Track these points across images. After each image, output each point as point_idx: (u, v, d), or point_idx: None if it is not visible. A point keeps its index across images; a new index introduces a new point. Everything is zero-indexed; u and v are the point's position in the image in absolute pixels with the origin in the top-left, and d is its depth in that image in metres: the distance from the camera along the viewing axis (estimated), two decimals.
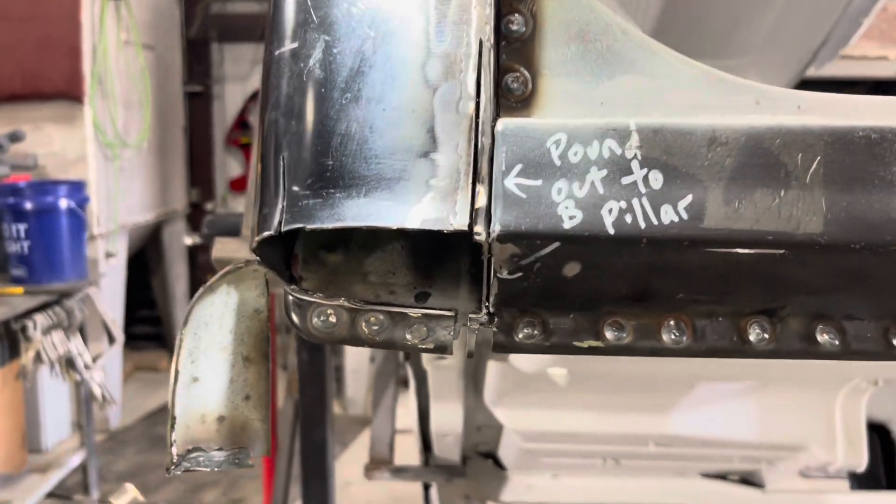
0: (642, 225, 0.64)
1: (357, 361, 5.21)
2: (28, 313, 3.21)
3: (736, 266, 0.66)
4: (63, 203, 3.59)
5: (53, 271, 3.56)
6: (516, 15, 0.70)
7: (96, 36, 4.60)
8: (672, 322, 0.71)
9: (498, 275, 0.67)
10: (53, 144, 4.50)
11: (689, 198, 0.64)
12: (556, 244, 0.65)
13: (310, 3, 0.68)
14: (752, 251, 0.64)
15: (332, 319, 0.71)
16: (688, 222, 0.64)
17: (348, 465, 4.11)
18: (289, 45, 0.68)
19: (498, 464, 2.86)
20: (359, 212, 0.65)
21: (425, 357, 2.06)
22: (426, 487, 3.23)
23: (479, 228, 0.65)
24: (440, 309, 0.72)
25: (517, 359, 1.90)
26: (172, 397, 0.70)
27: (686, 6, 2.94)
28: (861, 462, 2.60)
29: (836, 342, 0.70)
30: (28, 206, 3.51)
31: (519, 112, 0.69)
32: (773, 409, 2.35)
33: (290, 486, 2.50)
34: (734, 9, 2.94)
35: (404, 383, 3.73)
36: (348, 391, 5.20)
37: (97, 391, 3.75)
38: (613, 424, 2.58)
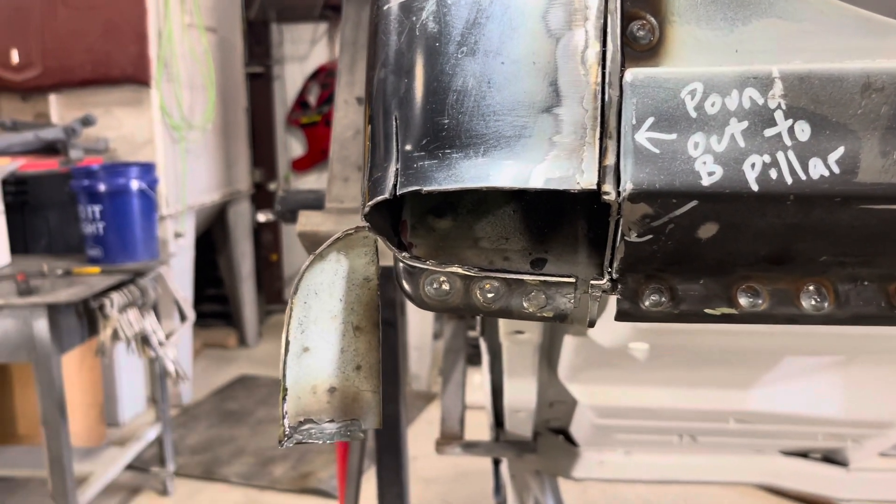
0: (789, 180, 0.59)
1: (420, 338, 5.22)
2: (105, 292, 3.28)
3: (891, 224, 0.60)
4: (134, 184, 3.65)
5: (127, 251, 3.63)
6: None
7: (161, 20, 4.66)
8: (812, 287, 0.66)
9: (626, 238, 0.63)
10: (123, 128, 4.59)
11: (841, 150, 0.59)
12: (694, 203, 0.60)
13: None
14: None
15: (446, 287, 0.68)
16: (840, 176, 0.58)
17: (414, 440, 4.13)
18: None
19: (569, 439, 2.83)
20: (478, 172, 0.61)
21: (503, 331, 2.03)
22: (496, 463, 3.21)
23: (607, 187, 0.61)
24: (559, 276, 0.68)
25: (597, 334, 1.86)
26: (284, 368, 0.68)
27: None
28: None
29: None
30: (102, 187, 3.58)
31: (646, 62, 0.64)
32: (861, 385, 2.26)
33: (364, 459, 2.51)
34: None
35: (471, 360, 3.71)
36: (412, 367, 5.22)
37: (171, 367, 3.83)
38: (692, 400, 2.51)
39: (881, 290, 0.65)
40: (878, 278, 0.65)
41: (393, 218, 0.72)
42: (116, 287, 3.38)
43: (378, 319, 0.71)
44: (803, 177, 0.58)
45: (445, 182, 0.62)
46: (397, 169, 0.63)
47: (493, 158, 0.62)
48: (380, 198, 0.63)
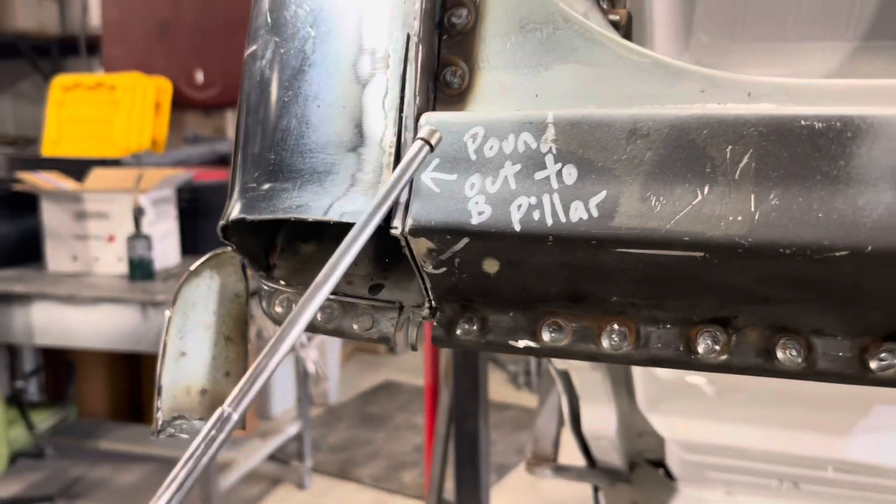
0: (549, 222, 0.61)
1: None
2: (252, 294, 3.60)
3: (660, 269, 0.60)
4: None
5: None
6: (460, 8, 0.69)
7: None
8: (615, 326, 0.66)
9: (424, 269, 0.68)
10: None
11: (603, 194, 0.60)
12: (466, 240, 0.64)
13: (267, 6, 0.72)
14: (668, 252, 0.58)
15: (293, 307, 0.75)
16: (597, 220, 0.60)
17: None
18: (251, 47, 0.73)
19: (669, 474, 2.74)
20: (290, 203, 0.69)
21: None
22: (596, 490, 3.16)
23: (396, 222, 0.66)
24: (385, 301, 0.73)
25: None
26: (161, 368, 0.78)
27: None
28: None
29: (800, 359, 0.61)
30: None
31: (455, 106, 0.68)
32: None
33: (447, 472, 2.58)
34: None
35: None
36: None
37: (311, 368, 4.12)
38: (783, 442, 2.36)
39: (682, 334, 0.65)
40: (679, 322, 0.64)
41: (269, 241, 0.80)
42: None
43: (247, 331, 0.80)
44: (563, 219, 0.60)
45: (265, 212, 0.70)
46: (235, 198, 0.72)
47: (305, 191, 0.69)
48: (221, 223, 0.72)
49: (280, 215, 0.69)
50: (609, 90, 0.63)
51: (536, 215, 0.61)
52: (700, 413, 2.39)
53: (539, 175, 0.62)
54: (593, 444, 2.67)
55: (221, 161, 4.55)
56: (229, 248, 0.79)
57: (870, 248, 0.54)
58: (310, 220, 0.67)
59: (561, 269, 0.64)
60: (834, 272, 0.55)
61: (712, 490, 2.69)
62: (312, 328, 0.74)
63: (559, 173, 0.61)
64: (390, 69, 0.67)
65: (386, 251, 0.77)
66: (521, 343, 0.68)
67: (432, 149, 0.60)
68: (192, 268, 0.79)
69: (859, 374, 0.60)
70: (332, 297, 0.74)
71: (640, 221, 0.59)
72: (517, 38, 0.67)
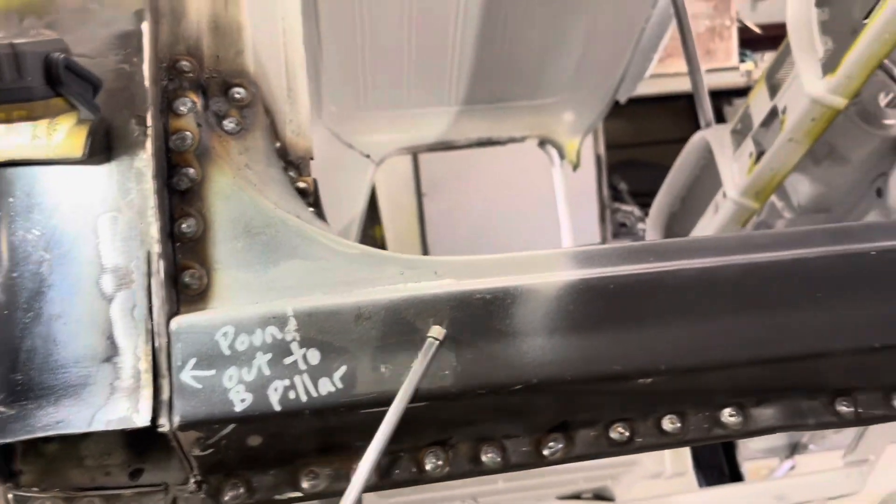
0: (304, 399, 0.74)
1: None
2: None
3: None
4: None
5: None
6: (189, 218, 0.79)
7: None
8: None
9: (191, 453, 0.76)
10: None
11: (344, 368, 0.75)
12: (232, 426, 0.74)
13: None
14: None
15: None
16: (342, 390, 0.75)
17: None
18: None
19: None
20: (48, 420, 0.72)
21: None
22: None
23: (163, 420, 0.73)
24: (150, 485, 0.80)
25: None
26: None
27: (497, 55, 3.15)
28: (686, 468, 2.84)
29: (499, 459, 0.83)
30: None
31: (197, 305, 0.78)
32: None
33: None
34: (538, 56, 3.18)
35: None
36: None
37: None
38: None
39: (413, 458, 0.83)
40: (410, 449, 0.82)
41: (6, 446, 0.80)
42: None
43: None
44: (315, 394, 0.74)
45: (21, 433, 0.72)
46: None
47: (63, 406, 0.73)
48: None
49: (39, 434, 0.72)
50: (330, 278, 0.79)
51: (292, 395, 0.74)
52: None
53: (288, 360, 0.75)
54: None
55: None
56: None
57: (535, 380, 0.77)
58: (75, 434, 0.72)
59: (315, 431, 0.77)
60: (514, 399, 0.77)
61: None
62: None
63: (304, 356, 0.75)
64: (135, 283, 0.75)
65: (139, 436, 0.83)
66: (286, 495, 0.80)
67: (441, 343, 0.75)
68: None
69: (538, 461, 0.83)
70: (96, 492, 0.78)
71: (377, 386, 0.75)
72: (245, 241, 0.79)
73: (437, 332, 0.76)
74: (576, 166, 3.50)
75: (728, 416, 0.85)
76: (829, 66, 1.78)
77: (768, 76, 2.21)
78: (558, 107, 3.34)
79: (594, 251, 0.82)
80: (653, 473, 2.86)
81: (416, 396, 0.75)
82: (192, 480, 0.80)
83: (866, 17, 1.65)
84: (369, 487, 0.82)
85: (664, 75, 5.22)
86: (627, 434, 0.85)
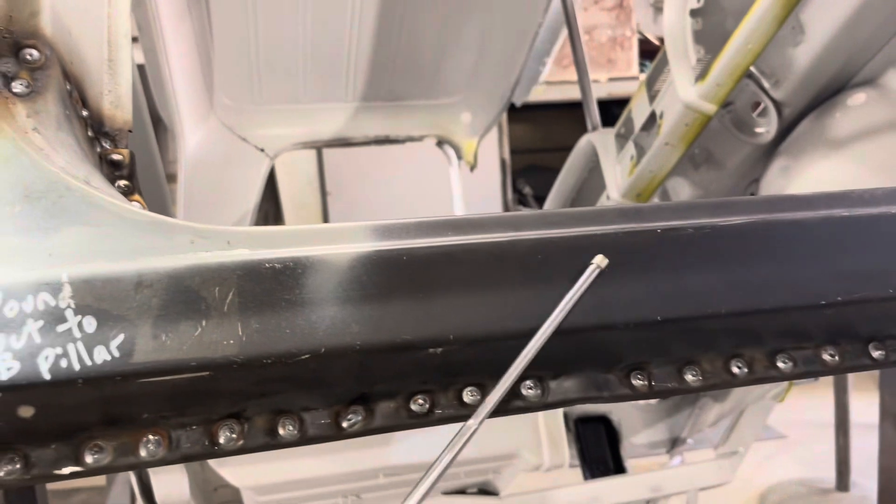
0: (77, 367, 0.72)
1: None
2: None
3: (178, 388, 0.76)
4: None
5: None
6: None
7: None
8: (150, 436, 0.80)
9: None
10: None
11: (122, 337, 0.73)
12: (0, 394, 0.71)
13: None
14: (181, 376, 0.74)
15: None
16: (119, 359, 0.73)
17: None
18: None
19: None
20: None
21: None
22: None
23: None
24: None
25: None
26: None
27: (394, 53, 3.16)
28: (563, 460, 2.90)
29: (296, 431, 0.82)
30: None
31: None
32: (484, 428, 2.57)
33: None
34: (435, 55, 3.20)
35: None
36: None
37: None
38: (338, 465, 2.69)
39: (206, 431, 0.81)
40: (202, 422, 0.81)
41: None
42: None
43: None
44: (89, 363, 0.72)
45: None
46: None
47: None
48: None
49: None
50: (116, 246, 0.77)
51: (64, 363, 0.72)
52: (263, 457, 2.59)
53: (61, 328, 0.72)
54: None
55: None
56: None
57: (323, 349, 0.76)
58: None
59: (94, 402, 0.75)
60: (304, 369, 0.77)
61: None
62: None
63: (80, 324, 0.73)
64: None
65: None
66: (67, 470, 0.78)
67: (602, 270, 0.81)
68: None
69: (336, 434, 0.83)
70: None
71: (156, 355, 0.73)
72: (23, 206, 0.76)
73: (599, 259, 0.81)
74: (473, 167, 3.54)
75: (527, 388, 0.87)
76: (702, 73, 1.85)
77: (648, 82, 2.28)
78: (456, 107, 3.38)
79: (396, 225, 0.83)
80: (532, 466, 2.90)
81: (199, 366, 0.74)
82: None
83: None
84: (157, 462, 0.80)
85: (567, 82, 5.34)
86: (427, 406, 0.85)
